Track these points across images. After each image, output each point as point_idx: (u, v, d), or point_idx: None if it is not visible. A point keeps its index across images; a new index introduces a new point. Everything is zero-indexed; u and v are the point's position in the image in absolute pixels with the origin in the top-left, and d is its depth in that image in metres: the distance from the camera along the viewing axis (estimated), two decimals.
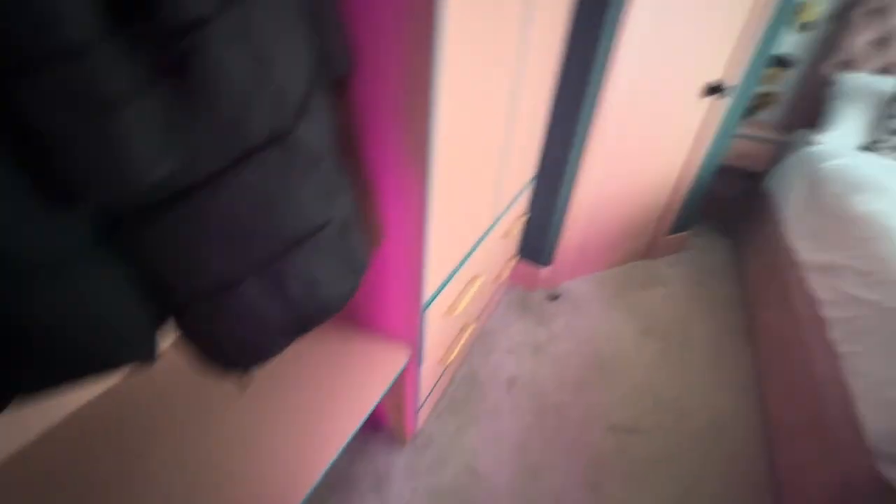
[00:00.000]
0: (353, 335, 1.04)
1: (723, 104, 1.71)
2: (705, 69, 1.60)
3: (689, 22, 1.42)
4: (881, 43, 2.01)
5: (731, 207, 2.51)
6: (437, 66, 0.62)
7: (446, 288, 1.02)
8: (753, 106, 2.39)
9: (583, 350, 1.63)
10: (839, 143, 1.95)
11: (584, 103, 1.42)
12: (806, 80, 2.25)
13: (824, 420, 1.10)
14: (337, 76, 0.65)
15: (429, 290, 0.92)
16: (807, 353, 1.28)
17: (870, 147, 1.91)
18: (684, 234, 2.21)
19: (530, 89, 1.15)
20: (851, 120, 1.96)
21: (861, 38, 2.03)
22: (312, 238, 0.60)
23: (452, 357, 1.24)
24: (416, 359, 1.02)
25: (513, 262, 1.70)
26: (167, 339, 0.94)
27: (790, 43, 2.24)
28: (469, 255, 1.11)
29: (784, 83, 2.33)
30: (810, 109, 2.21)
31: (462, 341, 1.26)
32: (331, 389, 0.91)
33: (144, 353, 0.53)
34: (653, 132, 1.65)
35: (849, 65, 2.09)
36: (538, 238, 1.77)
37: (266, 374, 0.92)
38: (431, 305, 0.97)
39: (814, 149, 1.94)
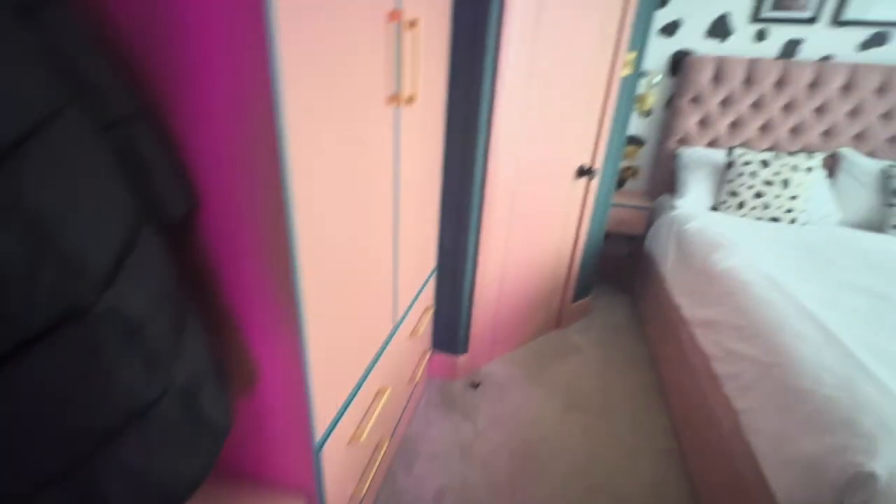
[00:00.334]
0: (239, 491, 0.87)
1: (596, 181, 1.91)
2: (576, 155, 1.79)
3: (556, 116, 1.60)
4: (704, 123, 2.45)
5: (623, 266, 2.74)
6: (290, 193, 0.58)
7: (345, 415, 0.91)
8: (622, 178, 2.72)
9: (511, 443, 1.55)
10: (694, 205, 2.26)
11: (473, 190, 1.48)
12: (657, 155, 2.64)
13: (739, 481, 1.12)
14: (175, 218, 0.58)
15: (321, 425, 0.81)
16: (711, 411, 1.33)
17: (717, 207, 2.24)
18: (587, 299, 2.34)
19: (413, 187, 1.17)
20: (698, 186, 2.30)
21: (689, 120, 2.45)
22: (139, 420, 0.48)
23: (366, 487, 1.09)
24: None
25: (427, 357, 1.62)
26: None
27: (639, 126, 2.64)
28: (370, 370, 1.02)
29: (641, 158, 2.71)
30: (666, 178, 2.57)
31: (378, 462, 1.12)
32: None
33: None
34: (541, 211, 1.77)
35: (685, 141, 2.50)
36: (450, 327, 1.74)
37: None
38: (328, 440, 0.85)
39: (675, 212, 2.22)
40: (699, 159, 2.35)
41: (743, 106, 2.35)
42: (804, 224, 2.11)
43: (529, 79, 1.43)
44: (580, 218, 1.99)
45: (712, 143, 2.46)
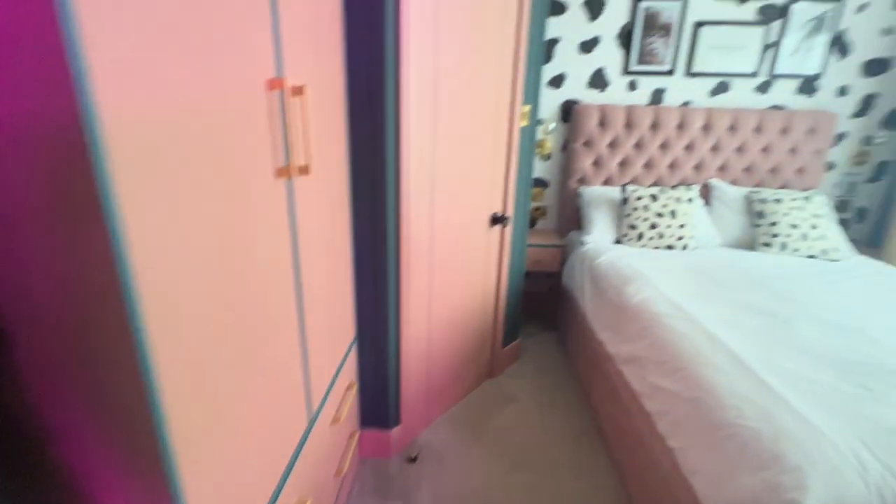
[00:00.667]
0: None
1: (511, 226, 1.93)
2: (488, 204, 1.80)
3: (465, 171, 1.59)
4: (597, 164, 2.66)
5: (545, 301, 2.80)
6: (135, 301, 0.45)
7: None
8: (532, 219, 2.84)
9: None
10: (600, 240, 2.40)
11: (388, 252, 1.40)
12: (560, 194, 2.80)
13: None
14: None
15: None
16: (650, 452, 1.32)
17: (620, 240, 2.40)
18: (517, 341, 2.32)
19: (318, 260, 1.05)
20: (602, 221, 2.46)
21: (585, 162, 2.65)
22: None
23: None
24: None
25: (356, 439, 1.45)
26: None
27: (542, 168, 2.79)
28: (280, 488, 0.85)
29: (547, 198, 2.85)
30: (573, 216, 2.72)
31: None
32: None
33: None
34: (461, 262, 1.74)
35: (584, 181, 2.69)
36: (378, 400, 1.59)
37: None
38: None
39: (585, 248, 2.34)
40: (598, 197, 2.53)
41: (627, 147, 2.59)
42: (694, 249, 2.33)
43: (434, 138, 1.42)
44: (500, 264, 1.99)
45: (607, 182, 2.67)
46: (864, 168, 2.69)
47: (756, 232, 2.37)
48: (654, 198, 2.34)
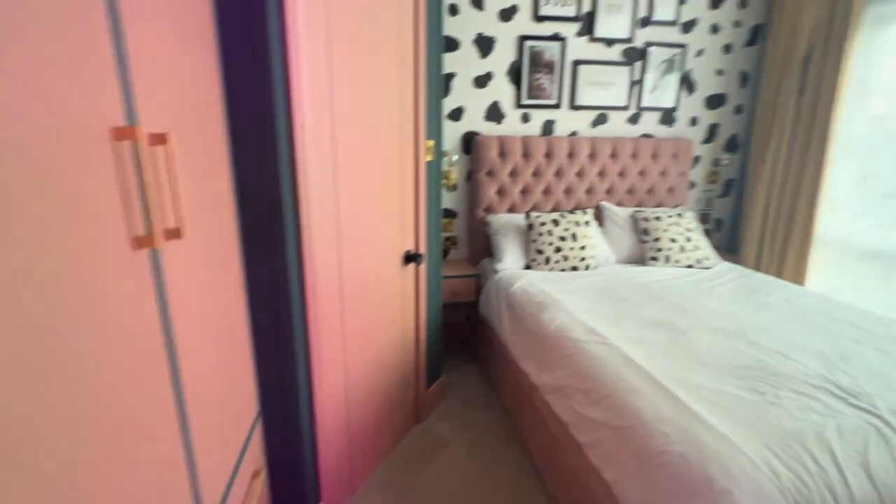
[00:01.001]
0: None
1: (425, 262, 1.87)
2: (400, 243, 1.72)
3: (373, 211, 1.49)
4: (501, 192, 2.75)
5: (464, 331, 2.76)
6: None
7: None
8: (445, 249, 2.82)
9: None
10: (512, 267, 2.44)
11: (292, 309, 1.23)
12: (469, 224, 2.83)
13: None
14: None
15: None
16: (586, 486, 1.31)
17: (530, 265, 2.47)
18: (440, 379, 2.23)
19: (200, 335, 0.87)
20: (511, 248, 2.51)
21: (489, 191, 2.72)
22: None
23: None
24: None
25: None
26: None
27: (449, 199, 2.80)
28: None
29: (457, 228, 2.86)
30: (483, 243, 2.75)
31: None
32: None
33: None
34: (376, 306, 1.61)
35: (490, 209, 2.75)
36: (293, 478, 1.37)
37: None
38: None
39: (498, 276, 2.36)
40: (505, 224, 2.59)
41: (527, 175, 2.72)
42: (595, 268, 2.48)
43: (335, 180, 1.31)
44: (416, 303, 1.91)
45: (511, 209, 2.76)
46: (716, 185, 3.15)
47: (644, 248, 2.61)
48: (555, 223, 2.46)
